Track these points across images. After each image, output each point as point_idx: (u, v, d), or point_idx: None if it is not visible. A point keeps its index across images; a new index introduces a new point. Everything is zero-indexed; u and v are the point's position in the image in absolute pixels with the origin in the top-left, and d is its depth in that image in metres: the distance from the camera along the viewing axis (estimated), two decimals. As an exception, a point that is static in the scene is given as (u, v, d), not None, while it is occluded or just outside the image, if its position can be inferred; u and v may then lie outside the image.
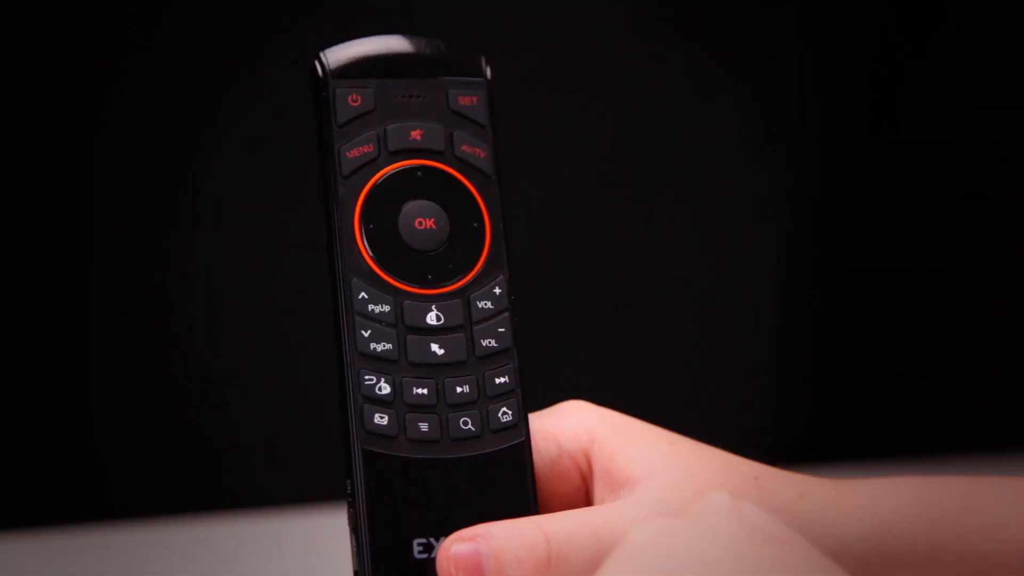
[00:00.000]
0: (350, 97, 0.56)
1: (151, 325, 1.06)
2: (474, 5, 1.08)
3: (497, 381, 0.54)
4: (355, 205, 0.55)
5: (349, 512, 0.54)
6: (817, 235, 1.22)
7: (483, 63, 0.57)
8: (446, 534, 0.52)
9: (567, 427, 0.56)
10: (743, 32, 1.18)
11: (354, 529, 0.53)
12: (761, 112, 1.19)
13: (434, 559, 0.52)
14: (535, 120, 1.11)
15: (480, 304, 0.55)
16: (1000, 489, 0.55)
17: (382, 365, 0.54)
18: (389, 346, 0.54)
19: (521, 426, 0.54)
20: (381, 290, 0.55)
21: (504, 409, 0.54)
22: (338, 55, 0.56)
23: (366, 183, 0.55)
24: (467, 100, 0.57)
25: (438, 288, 0.55)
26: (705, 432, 0.57)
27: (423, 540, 0.53)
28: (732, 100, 1.18)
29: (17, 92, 1.02)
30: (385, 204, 0.55)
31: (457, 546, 0.51)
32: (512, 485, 0.53)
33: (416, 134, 0.56)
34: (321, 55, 0.56)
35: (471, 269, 0.55)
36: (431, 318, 0.55)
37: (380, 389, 0.54)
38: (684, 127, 1.18)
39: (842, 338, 1.23)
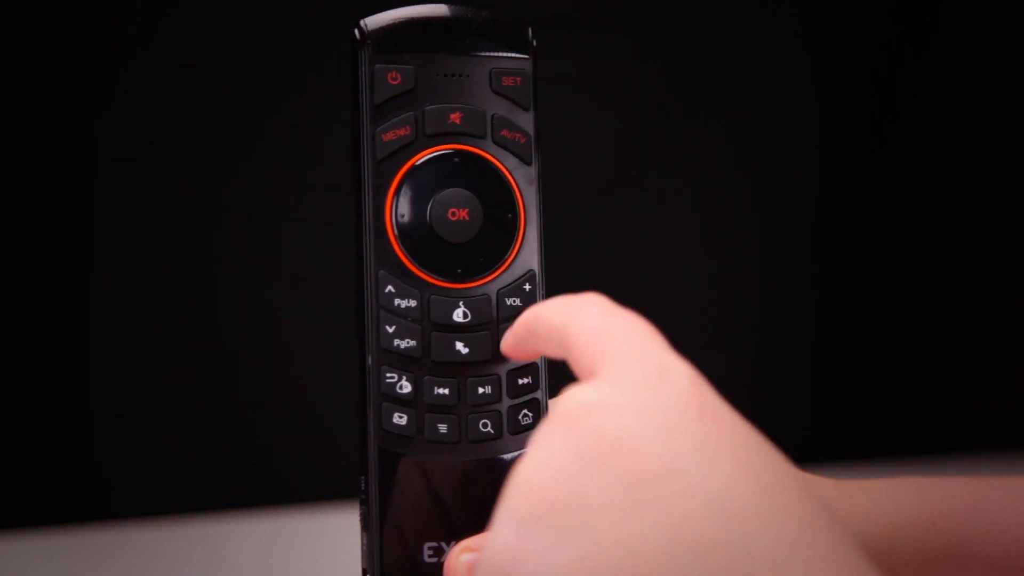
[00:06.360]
0: (389, 75, 0.54)
1: (151, 325, 1.06)
2: (474, 6, 1.08)
3: (520, 382, 0.54)
4: (388, 192, 0.54)
5: (361, 510, 0.53)
6: (817, 235, 1.22)
7: (530, 35, 0.56)
8: (458, 539, 0.52)
9: None
10: (743, 31, 1.18)
11: (365, 528, 0.53)
12: (761, 112, 1.19)
13: (443, 563, 0.52)
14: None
15: (508, 301, 0.54)
16: (1002, 491, 0.55)
17: (405, 363, 0.53)
18: (413, 343, 0.53)
19: None
20: (409, 284, 0.53)
21: (525, 411, 0.54)
22: (379, 25, 0.54)
23: (400, 168, 0.54)
24: (511, 80, 0.55)
25: (466, 283, 0.54)
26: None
27: (434, 544, 0.52)
28: (732, 100, 1.18)
29: (17, 91, 1.02)
30: (419, 192, 0.54)
31: (465, 556, 0.50)
32: None
33: (455, 117, 0.54)
34: (362, 24, 0.54)
35: (501, 264, 0.54)
36: (458, 315, 0.54)
37: (401, 388, 0.53)
38: (684, 127, 1.18)
39: (842, 338, 1.23)
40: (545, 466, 0.42)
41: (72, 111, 1.03)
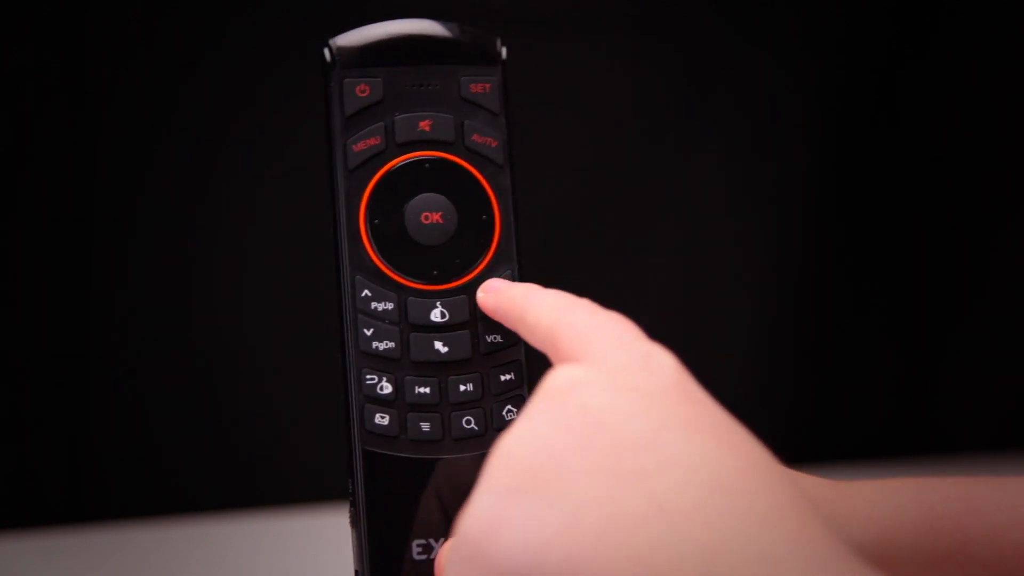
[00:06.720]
0: (358, 88, 0.55)
1: (150, 325, 1.06)
2: (473, 6, 1.08)
3: (502, 378, 0.54)
4: (360, 200, 0.55)
5: (351, 511, 0.54)
6: (817, 234, 1.22)
7: (498, 45, 0.56)
8: (446, 536, 0.52)
9: None
10: (743, 31, 1.18)
11: (355, 528, 0.53)
12: (761, 112, 1.19)
13: (432, 560, 0.52)
14: (533, 119, 1.11)
15: None
16: (1001, 491, 0.55)
17: (384, 364, 0.54)
18: (392, 345, 0.54)
19: None
20: (385, 287, 0.54)
21: (509, 407, 0.54)
22: (347, 42, 0.55)
23: (372, 177, 0.55)
24: (479, 87, 0.56)
25: (443, 284, 0.55)
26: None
27: (422, 541, 0.53)
28: (732, 100, 1.18)
29: (17, 91, 1.02)
30: (391, 198, 0.55)
31: None
32: None
33: (425, 125, 0.55)
34: (330, 42, 0.55)
35: (478, 264, 0.55)
36: (435, 315, 0.54)
37: (382, 389, 0.54)
38: (684, 127, 1.17)
39: (842, 339, 1.23)
40: (528, 438, 0.42)
41: (72, 111, 1.03)
